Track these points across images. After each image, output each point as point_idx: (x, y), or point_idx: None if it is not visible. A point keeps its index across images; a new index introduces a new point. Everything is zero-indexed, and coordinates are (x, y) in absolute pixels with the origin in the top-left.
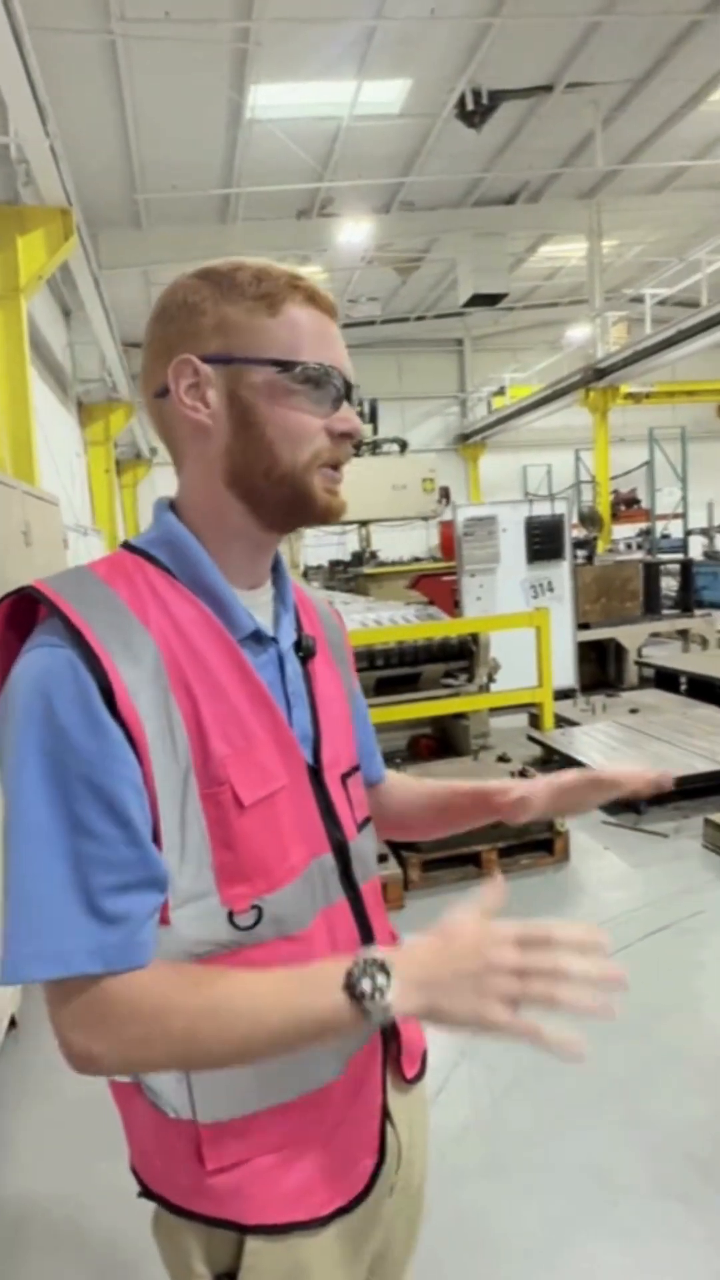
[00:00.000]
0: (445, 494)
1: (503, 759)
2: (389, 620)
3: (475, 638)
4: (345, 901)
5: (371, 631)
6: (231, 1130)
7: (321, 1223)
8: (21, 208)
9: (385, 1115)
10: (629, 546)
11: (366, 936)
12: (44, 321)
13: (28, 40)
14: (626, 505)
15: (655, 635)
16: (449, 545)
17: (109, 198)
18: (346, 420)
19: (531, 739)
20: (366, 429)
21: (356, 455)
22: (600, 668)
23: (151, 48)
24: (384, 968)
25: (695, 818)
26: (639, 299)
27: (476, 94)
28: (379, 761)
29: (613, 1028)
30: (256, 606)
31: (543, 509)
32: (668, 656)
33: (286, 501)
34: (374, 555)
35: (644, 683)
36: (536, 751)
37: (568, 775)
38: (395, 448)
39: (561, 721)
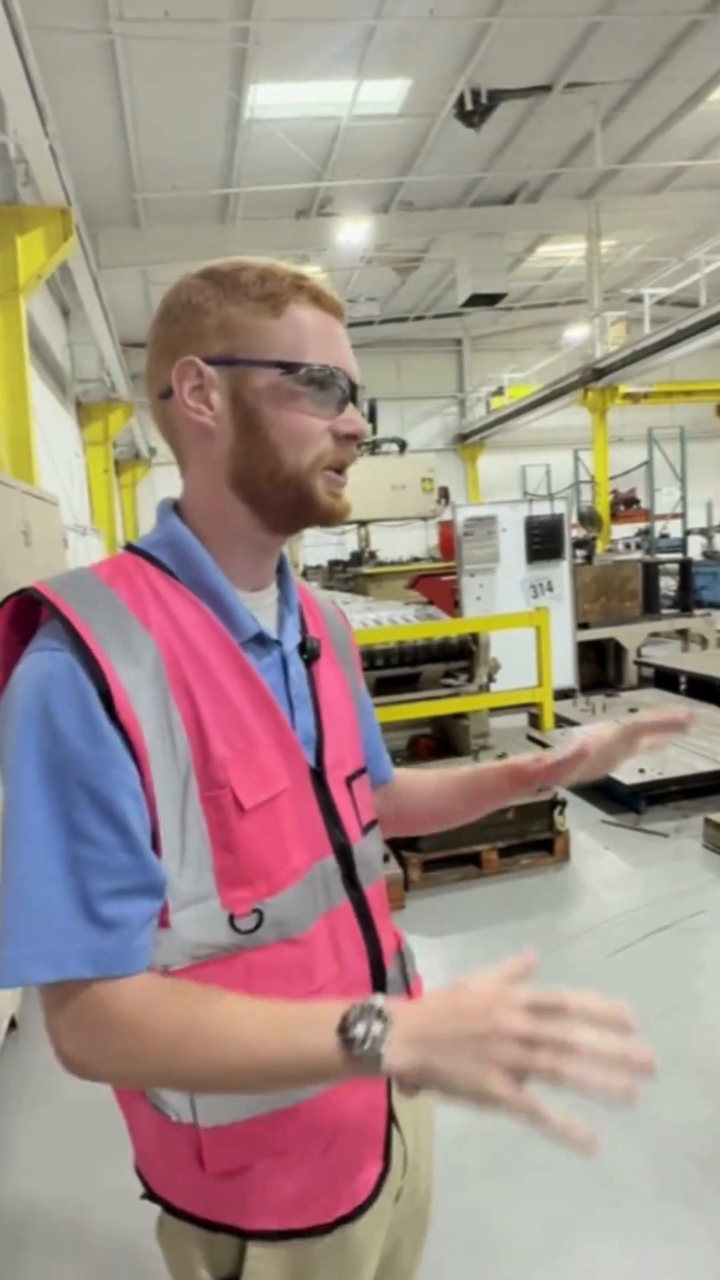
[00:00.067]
0: (444, 494)
1: (502, 759)
2: (388, 620)
3: (475, 638)
4: (349, 905)
5: (371, 631)
6: (233, 1134)
7: (324, 1230)
8: (21, 207)
9: (391, 1119)
10: (628, 546)
11: (371, 940)
12: (43, 321)
13: (27, 40)
14: (625, 505)
15: (654, 635)
16: (448, 545)
17: (108, 197)
18: (351, 422)
19: (531, 739)
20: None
21: None
22: (600, 667)
23: (151, 47)
24: (383, 1015)
25: (695, 817)
26: (638, 299)
27: (475, 94)
28: (387, 761)
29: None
30: (261, 609)
31: (542, 509)
32: (667, 656)
33: (290, 504)
34: (373, 555)
35: (643, 682)
36: (536, 751)
37: (608, 732)
38: (394, 448)
39: (561, 721)
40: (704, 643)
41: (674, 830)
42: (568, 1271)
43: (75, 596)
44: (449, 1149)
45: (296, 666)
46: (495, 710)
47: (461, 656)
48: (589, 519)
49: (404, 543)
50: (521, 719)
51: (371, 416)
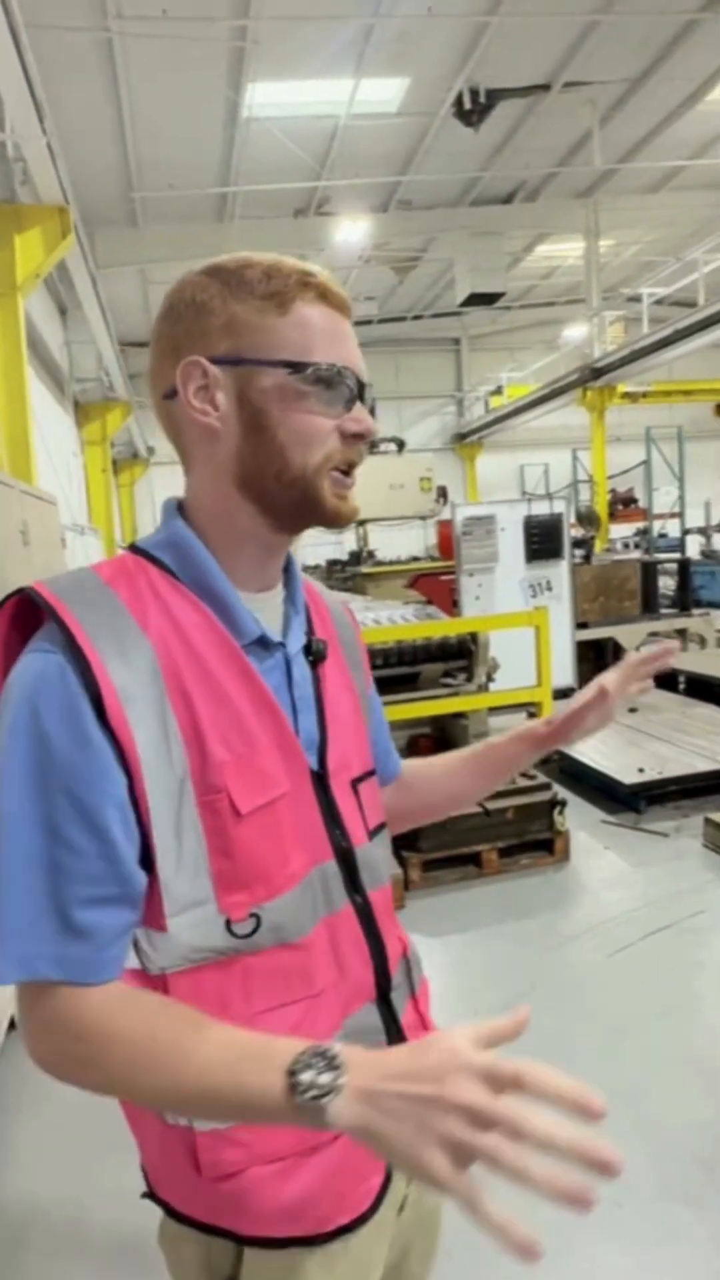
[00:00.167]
0: (443, 493)
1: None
2: (387, 620)
3: (474, 637)
4: (351, 909)
5: (370, 631)
6: (228, 1138)
7: (323, 1239)
8: (18, 206)
9: None
10: (626, 546)
11: (375, 944)
12: (41, 320)
13: (25, 38)
14: (624, 505)
15: (653, 634)
16: (447, 545)
17: (106, 196)
18: (359, 421)
19: None
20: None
21: None
22: (599, 667)
23: (149, 46)
24: (335, 1065)
25: (695, 817)
26: (636, 298)
27: (474, 93)
28: (396, 758)
29: (613, 1028)
30: (266, 610)
31: (541, 508)
32: None
33: (296, 504)
34: (371, 555)
35: None
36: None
37: (609, 677)
38: (393, 447)
39: None
40: (702, 642)
41: (674, 830)
42: (568, 1271)
43: (72, 597)
44: None
45: (301, 669)
46: (494, 710)
47: (460, 656)
48: (587, 518)
49: (402, 542)
50: (521, 718)
51: (370, 415)
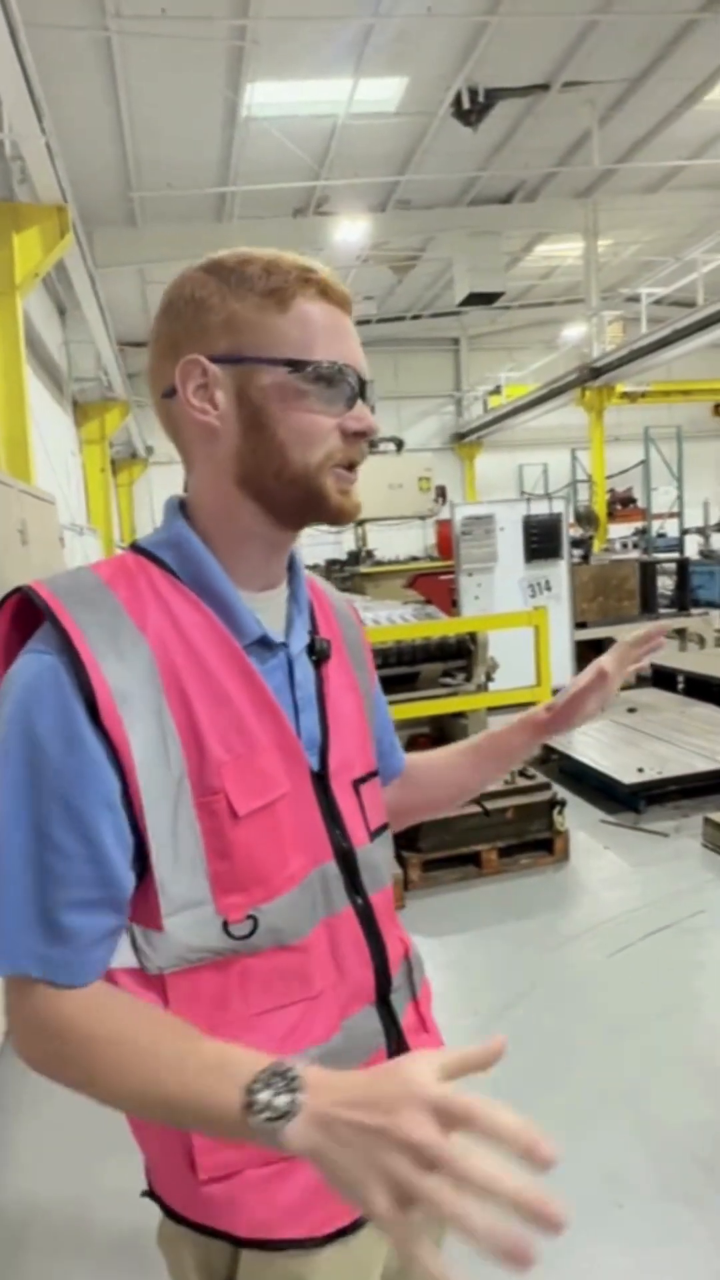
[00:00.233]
0: (442, 493)
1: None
2: (386, 619)
3: (473, 637)
4: (351, 911)
5: (369, 631)
6: (225, 1140)
7: (319, 1242)
8: (17, 205)
9: None
10: (625, 546)
11: (376, 946)
12: (39, 319)
13: (23, 37)
14: (623, 504)
15: None
16: (446, 544)
17: (104, 196)
18: (360, 419)
19: None
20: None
21: None
22: None
23: (147, 45)
24: (294, 1086)
25: (695, 817)
26: (635, 298)
27: (473, 92)
28: (400, 754)
29: (613, 1028)
30: (268, 609)
31: (540, 508)
32: (665, 655)
33: (298, 502)
34: (370, 554)
35: (641, 681)
36: (534, 750)
37: (607, 658)
38: (392, 447)
39: None
40: (702, 642)
41: (674, 830)
42: (568, 1272)
43: (69, 597)
44: None
45: (303, 668)
46: (493, 709)
47: (460, 656)
48: (586, 518)
49: (401, 542)
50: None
51: None
